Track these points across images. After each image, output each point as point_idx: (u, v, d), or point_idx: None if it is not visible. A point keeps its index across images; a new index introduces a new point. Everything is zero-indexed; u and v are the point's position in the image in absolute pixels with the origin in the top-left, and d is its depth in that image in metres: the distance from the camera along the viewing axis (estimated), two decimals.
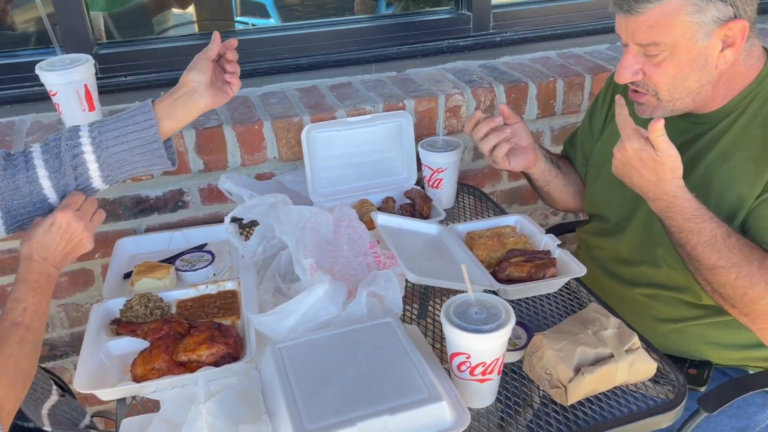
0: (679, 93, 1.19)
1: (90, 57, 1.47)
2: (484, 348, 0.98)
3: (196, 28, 2.82)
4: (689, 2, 1.08)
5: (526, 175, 1.54)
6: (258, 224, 1.39)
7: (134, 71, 1.71)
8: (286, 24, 3.48)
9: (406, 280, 1.26)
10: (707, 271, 1.16)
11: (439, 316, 1.02)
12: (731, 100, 1.22)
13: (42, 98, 1.57)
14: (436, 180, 1.62)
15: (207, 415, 0.97)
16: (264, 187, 1.60)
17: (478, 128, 1.39)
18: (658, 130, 1.09)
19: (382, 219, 1.39)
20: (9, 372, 0.97)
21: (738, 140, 1.21)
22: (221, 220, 1.56)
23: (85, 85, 1.45)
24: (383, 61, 1.88)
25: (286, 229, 1.26)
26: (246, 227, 1.56)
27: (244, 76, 1.76)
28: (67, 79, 1.43)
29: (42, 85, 1.46)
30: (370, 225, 1.43)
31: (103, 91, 1.63)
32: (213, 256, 1.42)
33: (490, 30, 1.97)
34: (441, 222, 1.50)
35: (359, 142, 1.64)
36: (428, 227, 1.45)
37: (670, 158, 1.11)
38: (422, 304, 1.37)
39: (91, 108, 1.49)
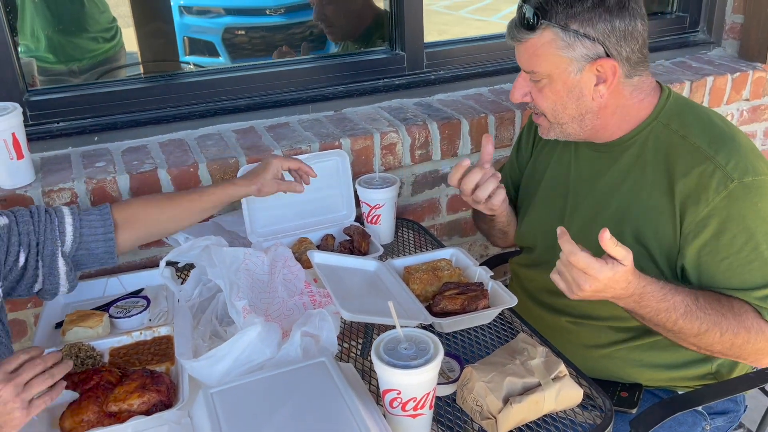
0: (562, 118, 1.29)
1: (17, 105, 1.46)
2: (414, 383, 0.99)
3: (141, 69, 2.82)
4: (558, 38, 1.20)
5: (490, 219, 1.52)
6: (182, 265, 1.39)
7: (67, 117, 1.69)
8: (223, 66, 3.50)
9: (343, 318, 1.27)
10: (694, 338, 1.19)
11: None
12: (631, 131, 1.31)
13: None
14: (374, 216, 1.65)
15: None
16: (202, 229, 1.60)
17: (470, 178, 1.33)
18: (611, 240, 1.05)
19: (318, 257, 1.40)
20: None
21: (647, 173, 1.28)
22: (158, 265, 1.55)
23: (13, 134, 1.44)
24: (320, 101, 1.91)
25: (218, 272, 1.26)
26: (183, 270, 1.55)
27: (181, 118, 1.79)
28: None
29: None
30: (308, 264, 1.44)
31: (34, 138, 1.62)
32: (148, 301, 1.40)
33: (423, 69, 2.03)
34: (380, 257, 1.52)
35: None
36: (366, 263, 1.47)
37: (630, 258, 1.09)
38: (366, 340, 1.38)
39: (20, 156, 1.47)
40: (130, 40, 2.61)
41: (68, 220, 1.29)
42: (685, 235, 1.23)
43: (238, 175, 1.54)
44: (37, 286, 1.29)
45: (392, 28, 2.00)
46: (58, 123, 1.69)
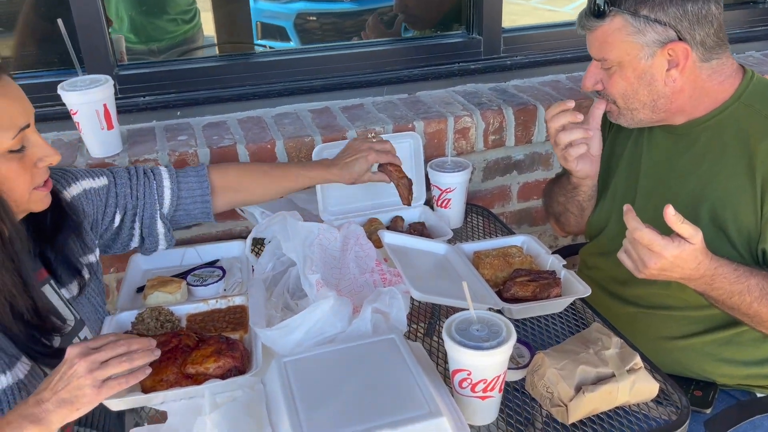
0: (633, 104, 1.28)
1: (109, 78, 1.53)
2: (485, 365, 0.99)
3: (216, 51, 2.90)
4: (628, 24, 1.20)
5: (573, 188, 1.50)
6: (269, 242, 1.43)
7: (152, 92, 1.76)
8: (301, 47, 3.54)
9: (412, 298, 1.28)
10: None
11: None
12: (710, 112, 1.28)
13: (63, 117, 1.62)
14: (444, 200, 1.64)
15: (212, 427, 0.98)
16: (276, 205, 1.63)
17: (562, 117, 1.33)
18: (675, 216, 1.04)
19: (389, 237, 1.41)
20: None
21: (726, 154, 1.25)
22: (234, 237, 1.60)
23: (104, 105, 1.51)
24: (395, 84, 1.92)
25: (292, 246, 1.29)
26: (257, 244, 1.58)
27: (260, 96, 1.83)
28: (87, 99, 1.48)
29: (63, 104, 1.52)
30: (378, 243, 1.45)
31: (121, 110, 1.69)
32: (224, 271, 1.45)
33: (500, 54, 2.00)
34: (449, 241, 1.52)
35: None
36: (436, 246, 1.47)
37: (699, 237, 1.07)
38: (430, 322, 1.38)
39: (110, 126, 1.54)
40: (207, 24, 2.69)
41: (166, 183, 1.34)
42: (767, 218, 1.19)
43: (335, 148, 1.53)
44: (133, 244, 1.36)
45: (470, 12, 1.98)
46: (144, 97, 1.76)
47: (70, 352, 0.95)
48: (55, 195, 1.16)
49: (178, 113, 1.76)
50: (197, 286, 1.40)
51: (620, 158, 1.45)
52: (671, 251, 1.07)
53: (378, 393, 1.02)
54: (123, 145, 1.61)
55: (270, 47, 3.94)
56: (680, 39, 1.19)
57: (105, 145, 1.56)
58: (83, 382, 0.92)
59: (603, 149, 1.51)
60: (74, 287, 1.19)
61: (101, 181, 1.28)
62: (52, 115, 1.67)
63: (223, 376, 1.11)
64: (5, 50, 1.88)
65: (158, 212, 1.34)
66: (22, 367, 1.03)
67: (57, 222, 1.16)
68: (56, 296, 1.16)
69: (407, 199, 1.50)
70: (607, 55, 1.25)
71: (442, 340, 1.23)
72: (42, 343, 1.06)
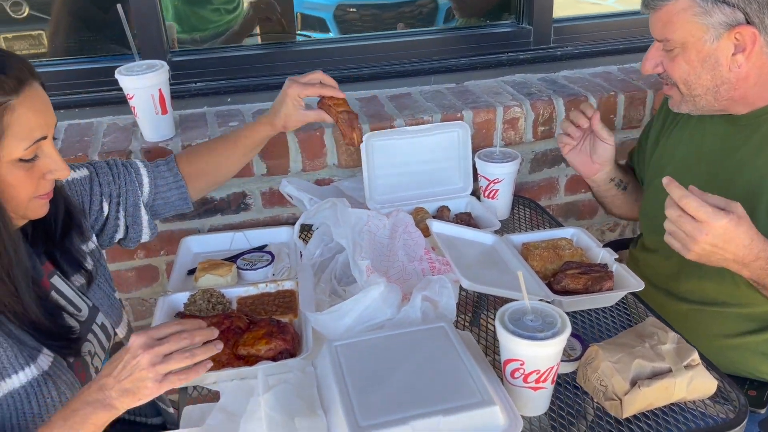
0: (695, 89, 1.25)
1: (165, 63, 1.55)
2: (539, 355, 0.98)
3: (259, 41, 2.92)
4: (695, 4, 1.16)
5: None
6: (317, 228, 1.44)
7: (203, 78, 1.79)
8: (348, 35, 3.55)
9: (460, 288, 1.28)
10: None
11: (491, 326, 1.03)
12: None
13: (118, 102, 1.66)
14: (492, 191, 1.63)
15: (265, 407, 1.00)
16: (323, 192, 1.64)
17: (576, 113, 1.45)
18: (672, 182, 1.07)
19: (437, 226, 1.41)
20: None
21: None
22: (281, 223, 1.62)
23: (160, 90, 1.54)
24: (443, 73, 1.90)
25: (342, 232, 1.30)
26: (304, 231, 1.59)
27: None
28: (144, 84, 1.51)
29: (120, 89, 1.55)
30: (425, 232, 1.44)
31: (174, 96, 1.71)
32: (273, 256, 1.46)
33: (550, 44, 1.97)
34: (496, 232, 1.50)
35: (417, 151, 1.66)
36: (484, 236, 1.46)
37: (737, 204, 1.06)
38: (475, 313, 1.38)
39: (164, 111, 1.57)
40: None
41: (143, 171, 1.36)
42: None
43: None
44: (118, 236, 1.36)
45: (520, 1, 1.95)
46: (195, 83, 1.79)
47: (135, 341, 0.93)
48: (65, 200, 1.17)
49: (229, 99, 1.78)
50: (247, 270, 1.42)
51: (674, 151, 1.43)
52: (719, 221, 1.03)
53: (429, 380, 1.02)
54: (176, 129, 1.63)
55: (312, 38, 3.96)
56: (748, 22, 1.15)
57: (159, 129, 1.59)
58: (146, 375, 0.91)
59: (656, 141, 1.49)
60: (81, 278, 1.21)
61: (82, 172, 1.29)
62: (108, 99, 1.71)
63: (274, 359, 1.13)
64: (56, 37, 1.91)
65: (140, 200, 1.35)
66: (45, 358, 1.04)
67: (65, 226, 1.17)
68: (66, 286, 1.17)
69: (350, 138, 1.34)
70: (670, 35, 1.21)
71: (487, 330, 1.24)
72: (57, 338, 1.07)
